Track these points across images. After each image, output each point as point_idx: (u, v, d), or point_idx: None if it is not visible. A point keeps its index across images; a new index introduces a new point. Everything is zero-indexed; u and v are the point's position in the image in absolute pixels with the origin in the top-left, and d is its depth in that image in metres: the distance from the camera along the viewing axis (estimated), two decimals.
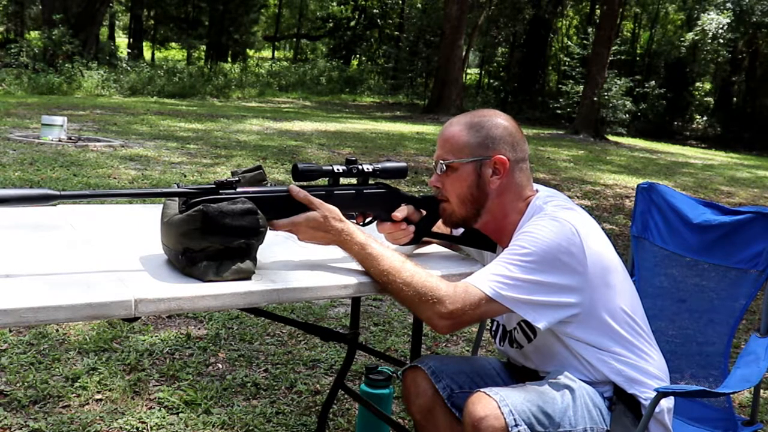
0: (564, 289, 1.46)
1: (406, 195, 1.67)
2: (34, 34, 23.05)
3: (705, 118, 25.92)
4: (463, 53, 21.58)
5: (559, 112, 21.23)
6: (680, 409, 1.89)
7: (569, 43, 25.29)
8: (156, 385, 2.67)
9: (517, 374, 1.72)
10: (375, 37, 31.33)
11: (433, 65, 24.20)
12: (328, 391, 2.46)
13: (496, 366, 1.80)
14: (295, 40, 36.52)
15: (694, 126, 25.76)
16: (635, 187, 2.22)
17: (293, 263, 1.55)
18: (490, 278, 1.44)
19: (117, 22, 32.92)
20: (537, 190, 1.63)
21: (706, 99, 27.14)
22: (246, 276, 1.38)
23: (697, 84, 26.77)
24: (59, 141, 8.36)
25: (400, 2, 30.35)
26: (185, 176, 6.97)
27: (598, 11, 25.12)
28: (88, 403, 2.49)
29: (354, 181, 1.62)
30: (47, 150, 7.74)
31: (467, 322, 1.47)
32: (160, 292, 1.26)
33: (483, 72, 32.09)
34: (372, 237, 1.52)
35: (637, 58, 27.50)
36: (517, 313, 1.46)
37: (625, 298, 1.56)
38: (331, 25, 32.17)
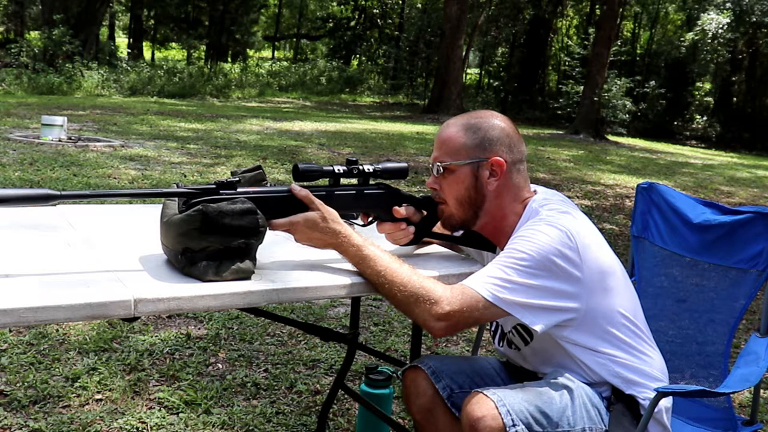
0: (561, 294, 1.45)
1: (406, 195, 1.67)
2: (34, 34, 23.06)
3: (705, 118, 25.91)
4: (463, 53, 21.57)
5: (559, 112, 21.25)
6: (680, 409, 1.89)
7: (569, 43, 25.31)
8: (156, 385, 2.67)
9: (517, 374, 1.72)
10: (375, 37, 31.31)
11: (433, 65, 24.20)
12: (328, 391, 2.46)
13: (495, 366, 1.79)
14: (295, 40, 36.52)
15: (694, 126, 25.75)
16: (635, 187, 2.22)
17: (293, 263, 1.55)
18: (486, 281, 1.44)
19: (117, 22, 32.92)
20: (535, 191, 1.62)
21: (706, 99, 27.14)
22: (245, 276, 1.38)
23: (697, 84, 26.77)
24: (59, 141, 8.36)
25: (400, 2, 30.33)
26: (185, 176, 6.97)
27: (598, 11, 25.13)
28: (88, 403, 2.49)
29: (354, 181, 1.62)
30: (47, 150, 7.74)
31: (463, 325, 1.46)
32: (159, 291, 1.26)
33: (483, 72, 32.09)
34: (369, 240, 1.51)
35: (637, 58, 27.50)
36: (515, 316, 1.45)
37: (623, 300, 1.55)
38: (331, 25, 32.16)
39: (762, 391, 2.89)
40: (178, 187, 1.41)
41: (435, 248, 1.82)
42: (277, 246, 1.64)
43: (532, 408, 1.43)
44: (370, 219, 1.66)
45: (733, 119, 25.10)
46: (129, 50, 27.46)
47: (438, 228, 1.70)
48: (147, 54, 29.82)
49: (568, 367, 1.56)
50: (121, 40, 33.23)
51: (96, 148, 8.27)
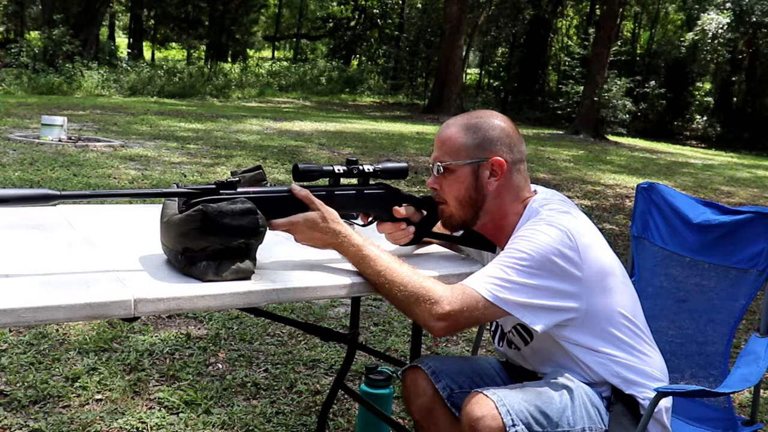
0: (561, 294, 1.45)
1: (406, 195, 1.67)
2: (34, 34, 23.03)
3: (705, 118, 25.90)
4: (463, 53, 21.58)
5: (559, 112, 21.25)
6: (680, 409, 1.89)
7: (569, 43, 25.31)
8: (156, 385, 2.67)
9: (517, 374, 1.72)
10: (375, 37, 31.29)
11: (433, 65, 24.20)
12: (328, 391, 2.46)
13: (495, 366, 1.80)
14: (295, 40, 36.51)
15: (694, 126, 25.74)
16: (635, 187, 2.22)
17: (293, 263, 1.55)
18: (487, 281, 1.44)
19: (117, 22, 32.92)
20: (535, 191, 1.63)
21: (706, 99, 27.13)
22: (245, 276, 1.38)
23: (697, 84, 26.76)
24: (59, 141, 8.36)
25: (400, 2, 30.33)
26: (185, 176, 6.97)
27: (598, 11, 25.12)
28: (88, 403, 2.49)
29: (355, 181, 1.62)
30: (47, 150, 7.74)
31: (463, 325, 1.46)
32: (159, 291, 1.26)
33: (483, 72, 32.08)
34: (369, 240, 1.51)
35: (637, 58, 27.48)
36: (515, 316, 1.45)
37: (623, 300, 1.55)
38: (331, 25, 32.14)
39: (762, 391, 2.89)
40: (178, 187, 1.41)
41: (435, 248, 1.82)
42: (277, 246, 1.63)
43: (531, 408, 1.43)
44: (370, 219, 1.66)
45: (733, 119, 25.08)
46: (129, 50, 27.42)
47: (438, 228, 1.70)
48: (147, 54, 29.81)
49: (568, 367, 1.56)
50: (121, 40, 33.22)
51: (96, 148, 8.27)
